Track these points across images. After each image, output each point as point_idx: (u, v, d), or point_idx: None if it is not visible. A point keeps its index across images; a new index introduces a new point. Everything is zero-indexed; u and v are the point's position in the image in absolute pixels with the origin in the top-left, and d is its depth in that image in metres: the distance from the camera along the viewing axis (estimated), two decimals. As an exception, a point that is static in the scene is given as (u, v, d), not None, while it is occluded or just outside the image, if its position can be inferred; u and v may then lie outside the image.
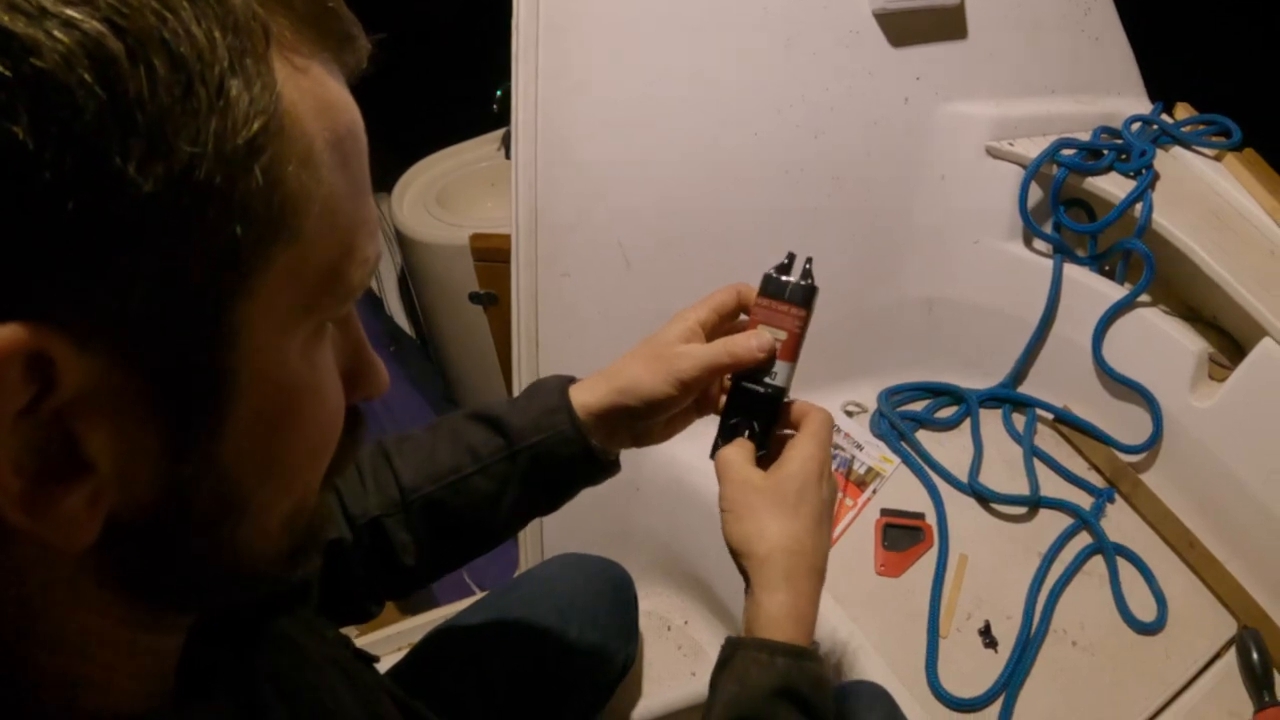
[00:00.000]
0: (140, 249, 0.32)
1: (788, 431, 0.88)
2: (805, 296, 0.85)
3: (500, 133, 2.54)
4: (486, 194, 2.47)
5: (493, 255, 2.07)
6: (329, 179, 0.38)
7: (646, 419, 0.86)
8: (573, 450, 0.83)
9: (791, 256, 0.87)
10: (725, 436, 0.87)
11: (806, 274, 0.86)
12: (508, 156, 2.48)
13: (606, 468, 0.88)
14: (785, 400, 0.87)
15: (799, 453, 0.82)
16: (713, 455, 0.87)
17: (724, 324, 0.89)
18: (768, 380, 0.85)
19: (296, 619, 0.59)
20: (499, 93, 2.34)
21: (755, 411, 0.86)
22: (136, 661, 0.43)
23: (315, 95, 0.38)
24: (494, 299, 2.11)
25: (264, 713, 0.48)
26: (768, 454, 0.87)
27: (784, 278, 0.86)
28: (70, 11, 0.30)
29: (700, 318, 0.86)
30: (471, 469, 0.83)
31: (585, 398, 0.84)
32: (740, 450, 0.84)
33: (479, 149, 2.54)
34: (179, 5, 0.32)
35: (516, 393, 1.41)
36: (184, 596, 0.44)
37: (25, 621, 0.38)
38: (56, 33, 0.29)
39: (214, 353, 0.36)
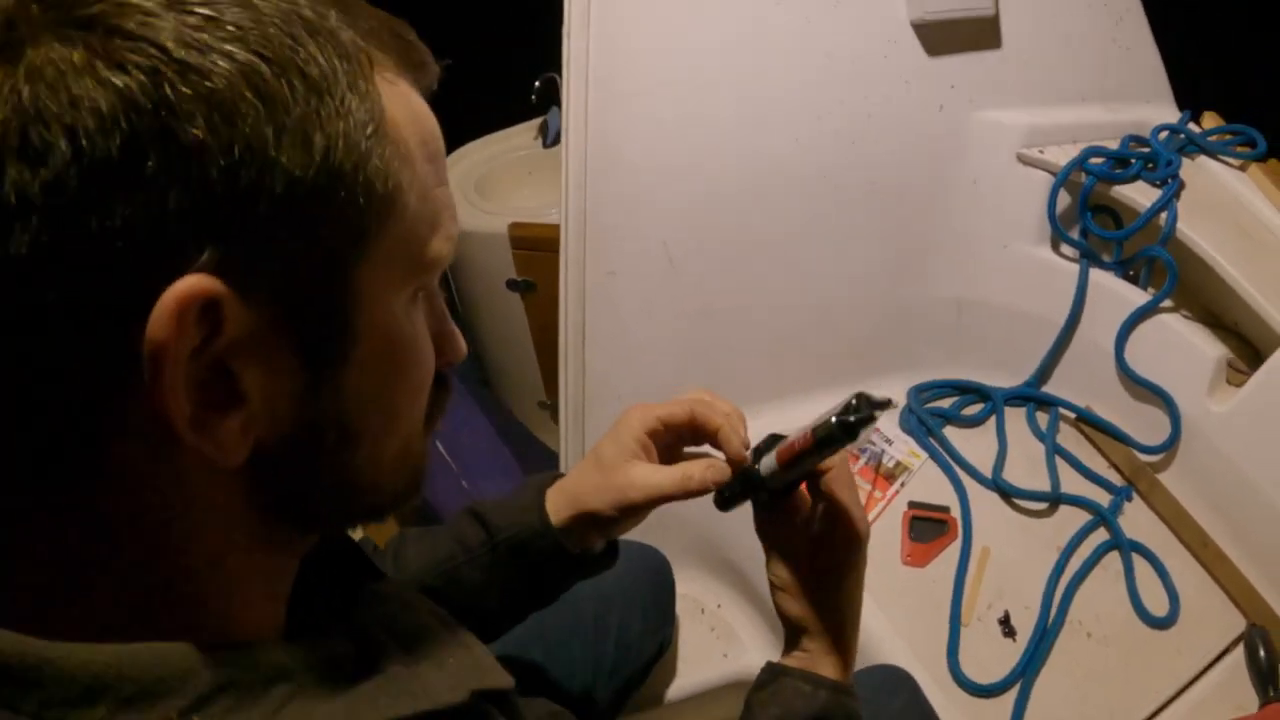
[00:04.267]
0: (289, 218, 0.41)
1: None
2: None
3: (538, 121, 2.55)
4: (524, 182, 2.49)
5: (531, 244, 2.09)
6: (421, 170, 0.47)
7: (607, 530, 0.87)
8: (545, 545, 0.84)
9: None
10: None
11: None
12: (545, 145, 2.49)
13: (592, 562, 0.89)
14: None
15: (841, 536, 0.79)
16: (722, 506, 0.82)
17: (675, 435, 0.85)
18: (764, 478, 0.78)
19: (389, 583, 0.65)
20: (537, 83, 2.38)
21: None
22: (257, 581, 0.50)
23: (406, 107, 0.47)
24: (531, 286, 2.14)
25: (380, 648, 0.53)
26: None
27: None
28: (228, 47, 0.39)
29: (649, 426, 0.84)
30: (461, 559, 0.86)
31: (551, 509, 0.85)
32: (778, 526, 0.82)
33: (517, 137, 2.56)
34: (305, 40, 0.41)
35: (563, 383, 1.45)
36: (312, 515, 0.51)
37: (178, 527, 0.45)
38: (221, 62, 0.39)
39: (340, 305, 0.45)
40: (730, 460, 0.81)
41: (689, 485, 0.80)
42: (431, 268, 0.49)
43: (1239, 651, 1.31)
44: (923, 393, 1.67)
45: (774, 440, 0.79)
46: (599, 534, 0.87)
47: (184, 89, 0.38)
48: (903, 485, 1.51)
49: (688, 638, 1.51)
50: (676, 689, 1.44)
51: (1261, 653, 1.28)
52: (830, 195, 1.51)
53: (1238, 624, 1.35)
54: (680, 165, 1.41)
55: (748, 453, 0.80)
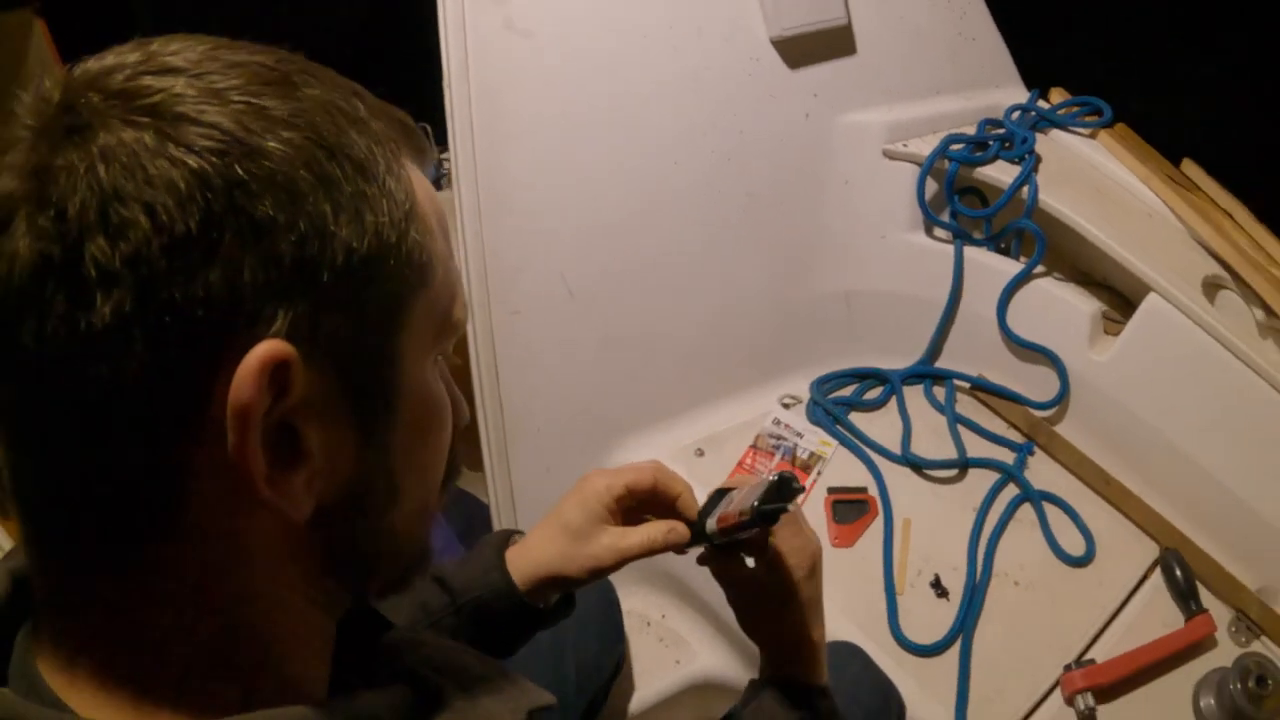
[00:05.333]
0: (346, 287, 0.44)
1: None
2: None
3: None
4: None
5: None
6: (440, 244, 0.51)
7: (571, 588, 0.90)
8: (508, 604, 0.87)
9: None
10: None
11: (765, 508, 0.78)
12: (436, 189, 2.54)
13: (552, 615, 0.92)
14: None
15: (790, 561, 0.86)
16: (678, 551, 0.88)
17: (637, 499, 0.90)
18: (709, 535, 0.85)
19: (406, 629, 0.66)
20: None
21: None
22: (311, 641, 0.52)
23: (423, 188, 0.51)
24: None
25: (438, 691, 0.55)
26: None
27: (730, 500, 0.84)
28: (283, 132, 0.43)
29: (616, 494, 0.88)
30: (424, 623, 0.87)
31: (514, 572, 0.88)
32: (729, 561, 0.88)
33: (399, 188, 2.56)
34: (346, 128, 0.45)
35: (482, 426, 1.46)
36: (358, 573, 0.53)
37: (248, 589, 0.47)
38: (280, 146, 0.42)
39: (386, 369, 0.48)
40: (688, 523, 0.87)
41: (654, 547, 0.85)
42: (454, 331, 0.53)
43: (1157, 575, 1.39)
44: (824, 384, 1.71)
45: (719, 495, 0.88)
46: (562, 590, 0.90)
47: (253, 169, 0.41)
48: (819, 474, 1.56)
49: (639, 651, 1.54)
50: (638, 702, 1.46)
51: (1178, 572, 1.35)
52: (713, 210, 1.57)
53: (1151, 550, 1.43)
54: (568, 199, 1.45)
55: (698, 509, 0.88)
